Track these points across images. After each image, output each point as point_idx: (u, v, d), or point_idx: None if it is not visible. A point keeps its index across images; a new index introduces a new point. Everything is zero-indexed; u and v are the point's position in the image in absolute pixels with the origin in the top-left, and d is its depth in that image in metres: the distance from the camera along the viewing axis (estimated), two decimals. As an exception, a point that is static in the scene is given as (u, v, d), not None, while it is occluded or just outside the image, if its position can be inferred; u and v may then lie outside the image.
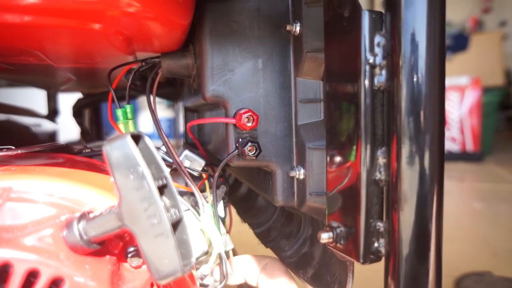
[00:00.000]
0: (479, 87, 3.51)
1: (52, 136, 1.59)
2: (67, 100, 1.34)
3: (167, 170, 0.34)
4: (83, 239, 0.33)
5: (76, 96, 1.23)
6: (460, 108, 3.54)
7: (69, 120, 1.25)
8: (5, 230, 0.32)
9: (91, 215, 0.34)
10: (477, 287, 1.14)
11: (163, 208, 0.30)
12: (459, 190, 2.71)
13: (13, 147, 0.45)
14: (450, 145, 3.60)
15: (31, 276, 0.32)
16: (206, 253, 0.58)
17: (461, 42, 3.82)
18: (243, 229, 0.74)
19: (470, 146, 3.57)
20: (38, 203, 0.36)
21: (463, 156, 3.57)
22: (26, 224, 0.34)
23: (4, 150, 0.43)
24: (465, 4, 4.78)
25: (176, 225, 0.33)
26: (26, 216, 0.34)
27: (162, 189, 0.33)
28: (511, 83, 4.48)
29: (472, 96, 3.51)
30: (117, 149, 0.31)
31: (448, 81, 3.50)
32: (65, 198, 0.38)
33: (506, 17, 4.96)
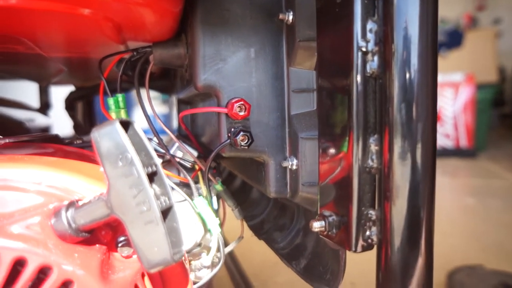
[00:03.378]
0: (473, 84, 3.53)
1: (46, 130, 1.57)
2: (60, 93, 1.33)
3: (157, 158, 0.33)
4: (72, 227, 0.33)
5: (69, 89, 1.21)
6: (454, 104, 3.56)
7: (63, 114, 1.24)
8: (-9, 218, 0.32)
9: (80, 203, 0.34)
10: (469, 280, 1.16)
11: (152, 195, 0.30)
12: (452, 186, 2.73)
13: (1, 136, 0.44)
14: (444, 141, 3.62)
15: (18, 265, 0.31)
16: (199, 245, 0.58)
17: (455, 39, 3.83)
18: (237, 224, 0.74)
19: (463, 142, 3.60)
20: (25, 191, 0.35)
21: (456, 152, 3.59)
22: (13, 213, 0.33)
23: (-8, 139, 0.43)
24: (460, 1, 4.80)
25: (166, 212, 0.32)
26: (13, 204, 0.34)
27: (152, 177, 0.33)
28: (505, 80, 4.51)
29: (466, 93, 3.52)
30: (106, 135, 0.31)
31: (443, 78, 3.52)
32: (53, 186, 0.37)
33: (500, 15, 4.99)
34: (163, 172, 0.33)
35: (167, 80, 1.10)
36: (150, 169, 0.32)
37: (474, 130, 3.57)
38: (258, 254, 1.34)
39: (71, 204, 0.34)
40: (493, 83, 3.83)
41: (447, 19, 4.01)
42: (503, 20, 4.96)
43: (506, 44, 4.57)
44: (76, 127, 1.23)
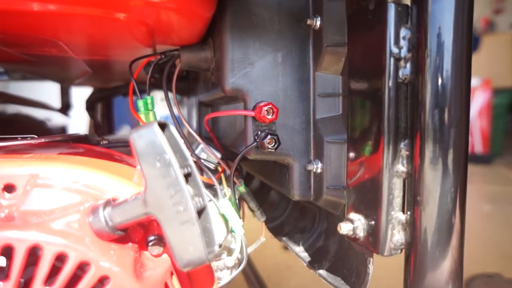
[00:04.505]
0: (490, 89, 3.47)
1: (63, 129, 1.61)
2: (79, 94, 1.36)
3: (191, 159, 0.34)
4: (109, 225, 0.34)
5: (89, 90, 1.24)
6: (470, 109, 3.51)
7: (78, 114, 1.27)
8: (34, 214, 0.33)
9: (116, 202, 0.35)
10: (487, 288, 1.14)
11: (189, 195, 0.31)
12: (468, 192, 2.68)
13: (36, 136, 0.46)
14: (458, 147, 3.56)
15: (58, 260, 0.32)
16: (220, 245, 0.59)
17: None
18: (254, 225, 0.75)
19: (479, 148, 3.54)
20: (64, 189, 0.36)
21: (472, 158, 3.54)
22: (53, 210, 0.34)
23: (28, 138, 0.44)
24: (476, 4, 4.72)
25: (200, 213, 0.33)
26: (53, 201, 0.35)
27: (186, 178, 0.34)
28: (522, 85, 4.42)
29: (482, 98, 3.47)
30: (144, 137, 0.32)
31: (458, 82, 3.46)
32: (88, 185, 0.39)
33: (518, 19, 4.89)
34: (197, 173, 0.34)
35: (184, 82, 1.12)
36: (185, 170, 0.33)
37: (489, 136, 3.51)
38: (271, 257, 1.34)
39: (108, 203, 0.35)
40: (510, 88, 3.76)
41: (463, 23, 3.95)
42: (521, 24, 4.86)
43: (524, 49, 4.47)
44: (96, 127, 1.25)
